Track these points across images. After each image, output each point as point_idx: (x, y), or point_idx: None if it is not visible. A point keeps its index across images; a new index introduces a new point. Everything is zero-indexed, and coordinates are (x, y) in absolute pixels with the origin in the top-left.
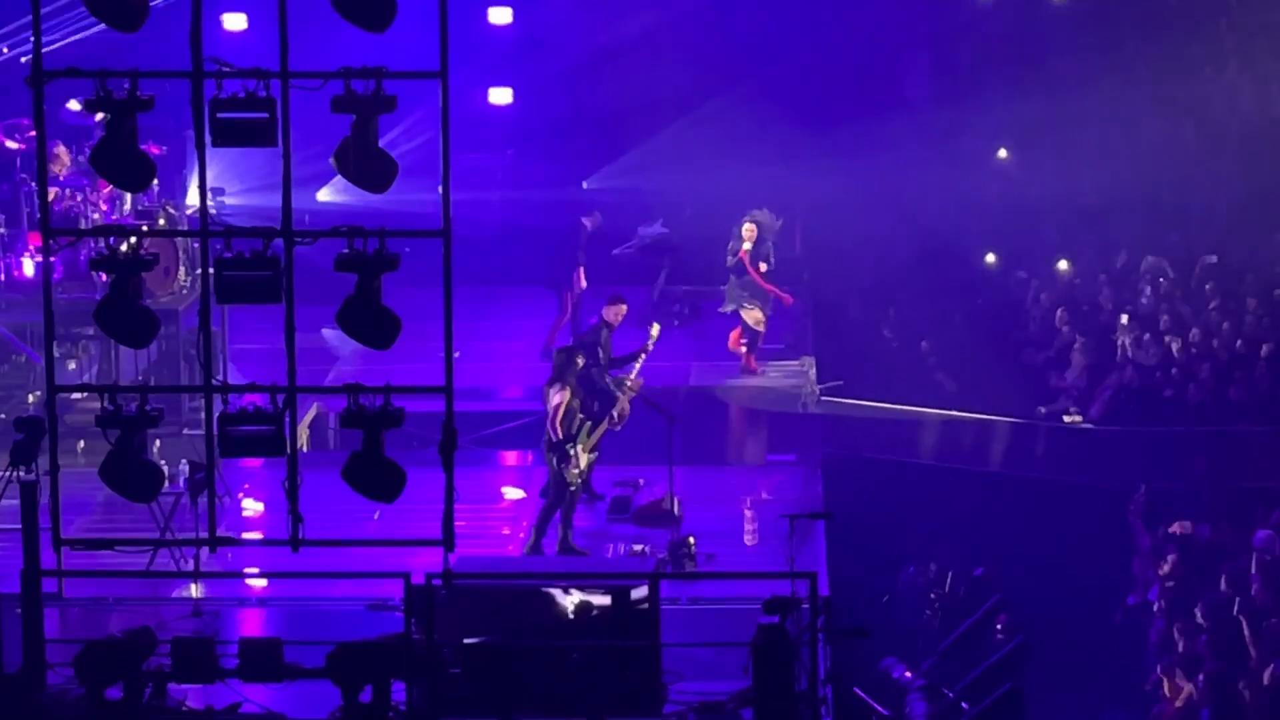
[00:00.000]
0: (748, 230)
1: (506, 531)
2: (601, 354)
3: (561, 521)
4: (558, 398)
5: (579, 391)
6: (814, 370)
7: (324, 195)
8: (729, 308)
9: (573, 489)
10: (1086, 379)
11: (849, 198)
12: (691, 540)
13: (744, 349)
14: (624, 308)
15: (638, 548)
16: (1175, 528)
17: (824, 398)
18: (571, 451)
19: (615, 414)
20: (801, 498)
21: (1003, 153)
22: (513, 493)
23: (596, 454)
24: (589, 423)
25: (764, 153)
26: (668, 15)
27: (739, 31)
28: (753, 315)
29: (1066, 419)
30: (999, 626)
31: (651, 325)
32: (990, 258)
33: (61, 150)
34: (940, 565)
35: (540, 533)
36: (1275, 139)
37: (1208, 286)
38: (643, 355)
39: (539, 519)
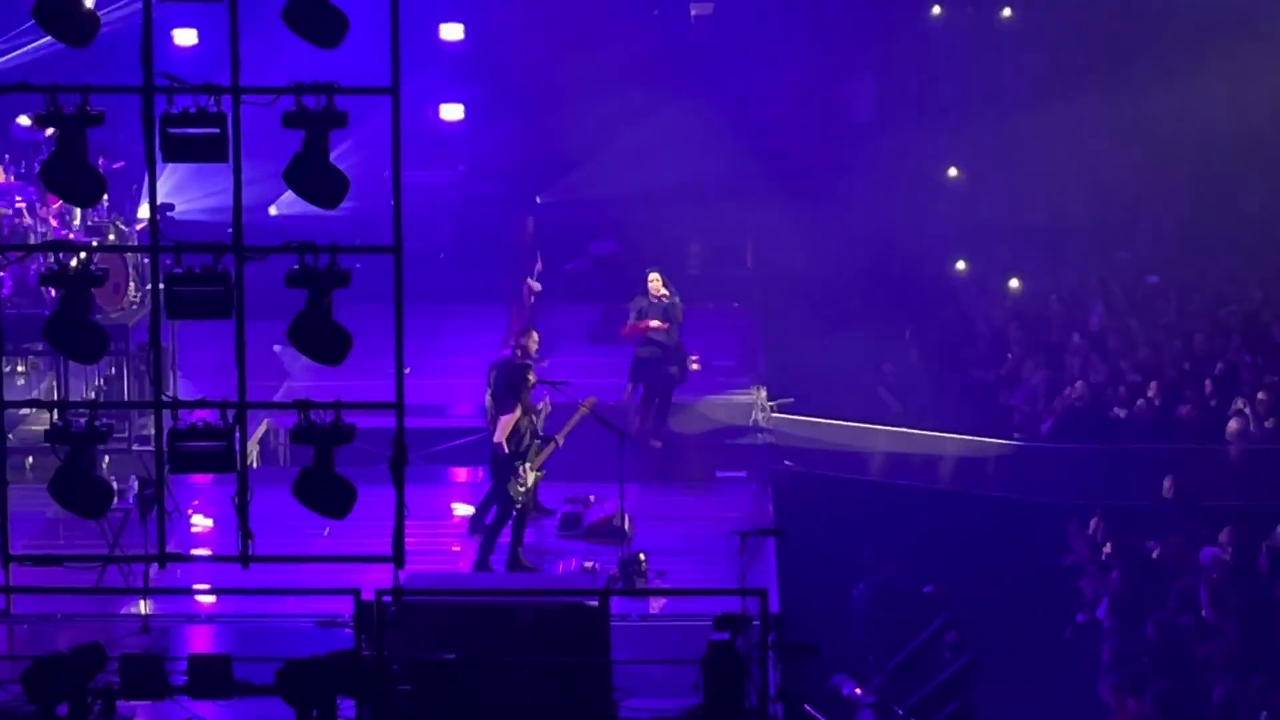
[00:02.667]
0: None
1: (457, 548)
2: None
3: (512, 538)
4: (509, 415)
5: (530, 409)
6: (765, 395)
7: (277, 210)
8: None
9: (519, 506)
10: (1036, 397)
11: (799, 216)
12: (642, 557)
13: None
14: (536, 336)
15: (588, 564)
16: (1119, 545)
17: (775, 414)
18: (520, 469)
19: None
20: (752, 514)
21: (953, 171)
22: (463, 509)
23: (543, 472)
24: (537, 441)
25: (714, 171)
26: (617, 33)
27: (688, 51)
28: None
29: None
30: (948, 644)
31: (585, 402)
32: (961, 264)
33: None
34: (890, 582)
35: (488, 550)
36: (1222, 158)
37: (1157, 305)
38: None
39: (485, 537)
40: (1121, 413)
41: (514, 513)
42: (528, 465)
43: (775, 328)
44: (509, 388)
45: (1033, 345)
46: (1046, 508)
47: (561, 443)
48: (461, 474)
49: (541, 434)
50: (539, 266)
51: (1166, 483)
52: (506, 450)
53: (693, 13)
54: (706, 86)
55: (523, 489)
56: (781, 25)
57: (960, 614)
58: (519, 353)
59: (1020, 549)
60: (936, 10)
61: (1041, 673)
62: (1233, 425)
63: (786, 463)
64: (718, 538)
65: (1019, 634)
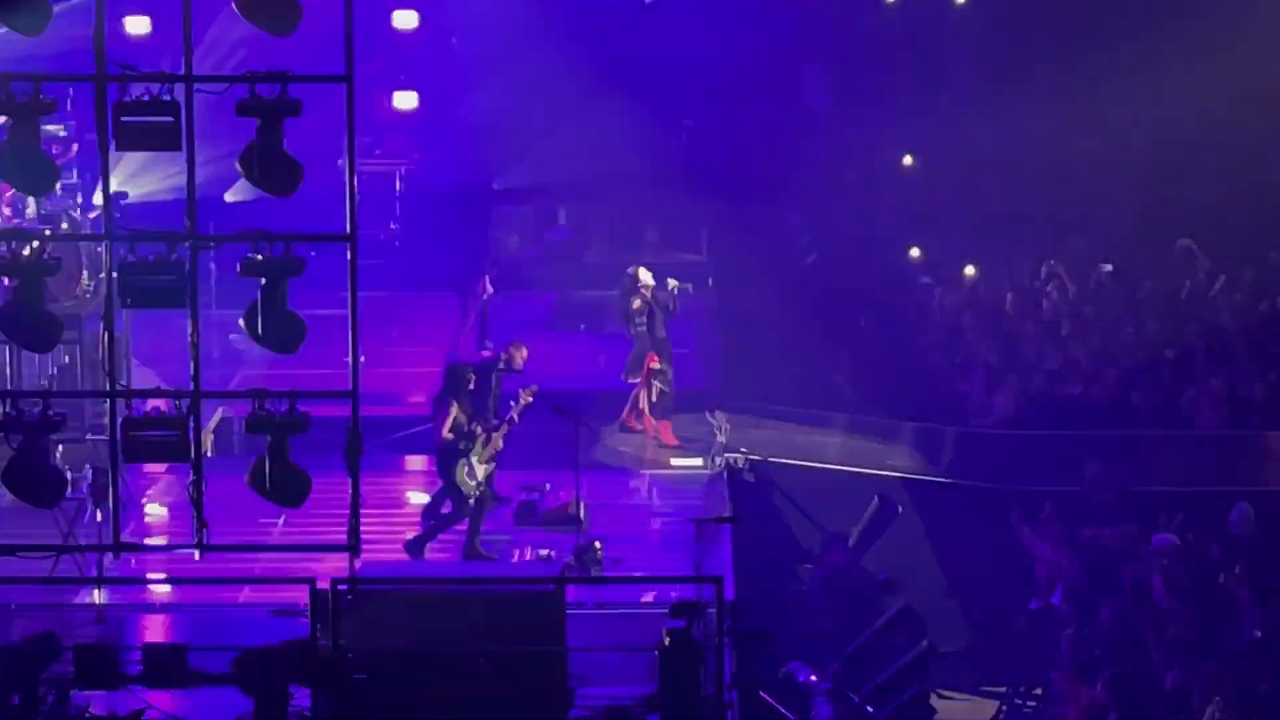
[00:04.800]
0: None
1: (411, 536)
2: (492, 389)
3: (470, 529)
4: (447, 411)
5: (467, 406)
6: (725, 428)
7: (231, 196)
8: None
9: (474, 498)
10: (989, 384)
11: (754, 203)
12: (598, 545)
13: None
14: (526, 352)
15: (544, 552)
16: (1077, 532)
17: (730, 456)
18: (465, 464)
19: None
20: (708, 502)
21: (908, 159)
22: (419, 497)
23: (494, 464)
24: (483, 434)
25: (668, 158)
26: (572, 18)
27: (640, 36)
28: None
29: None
30: (903, 631)
31: (527, 389)
32: (915, 251)
33: None
34: (843, 570)
35: (428, 537)
36: (1175, 147)
37: (1110, 292)
38: (506, 425)
39: (433, 524)
40: (1075, 390)
41: (467, 507)
42: (475, 459)
43: (730, 314)
44: (449, 386)
45: (987, 333)
46: (1000, 494)
47: (504, 432)
48: (417, 462)
49: (493, 421)
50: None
51: (1091, 467)
52: (450, 442)
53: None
54: (660, 72)
55: (473, 482)
56: (734, 10)
57: (915, 601)
58: (504, 361)
59: (974, 535)
60: None
61: (996, 659)
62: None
63: (741, 449)
64: (674, 525)
65: (972, 621)
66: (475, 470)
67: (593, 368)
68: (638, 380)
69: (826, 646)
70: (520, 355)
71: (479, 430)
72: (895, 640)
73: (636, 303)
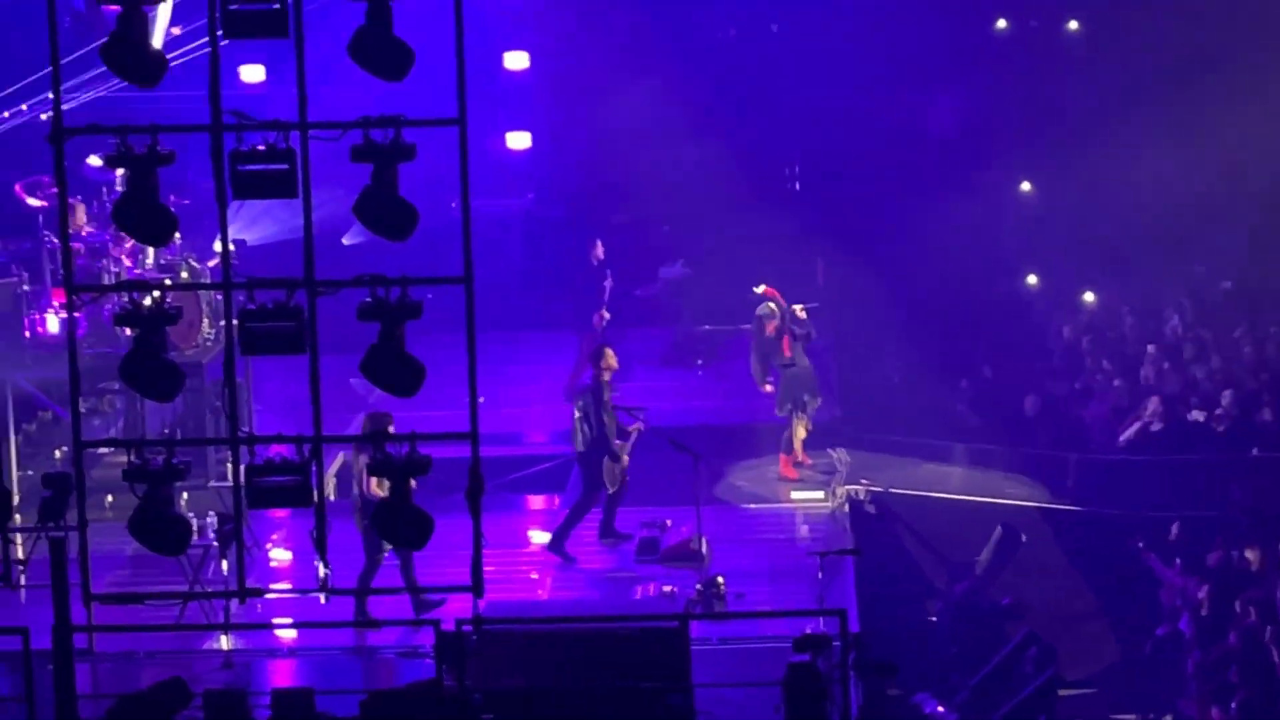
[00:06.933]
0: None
1: (535, 575)
2: (606, 399)
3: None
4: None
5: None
6: (846, 462)
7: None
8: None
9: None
10: (1112, 409)
11: (870, 234)
12: (720, 580)
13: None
14: (611, 352)
15: (667, 589)
16: (1203, 556)
17: (850, 488)
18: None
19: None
20: (829, 534)
21: (1025, 185)
22: (540, 536)
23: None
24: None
25: (785, 189)
26: (685, 54)
27: (755, 67)
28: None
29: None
30: (1029, 659)
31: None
32: (1032, 279)
33: (79, 206)
34: (969, 598)
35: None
36: None
37: (1230, 315)
38: (634, 432)
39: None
40: (1199, 417)
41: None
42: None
43: (848, 346)
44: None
45: (1107, 358)
46: (1125, 520)
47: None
48: (538, 501)
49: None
50: (609, 284)
51: (1216, 491)
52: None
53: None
54: (777, 103)
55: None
56: (850, 40)
57: (1040, 629)
58: (602, 373)
59: (1099, 563)
60: (1002, 24)
61: (1123, 686)
62: None
63: (862, 481)
64: (795, 558)
65: (1100, 648)
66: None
67: (710, 403)
68: (790, 413)
69: (953, 677)
70: (610, 361)
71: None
72: (1022, 669)
73: (770, 327)
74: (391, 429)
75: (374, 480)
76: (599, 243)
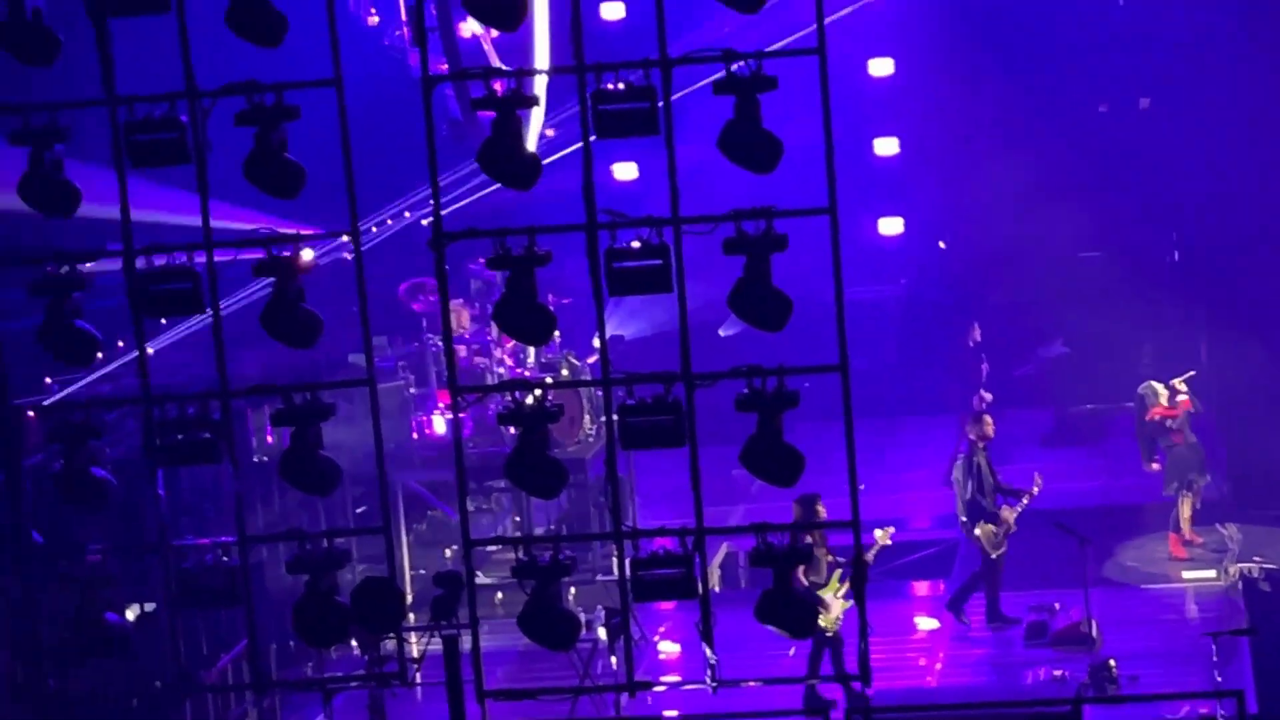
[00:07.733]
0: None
1: (923, 662)
2: (984, 472)
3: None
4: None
5: (823, 540)
6: (1237, 539)
7: (725, 331)
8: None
9: (829, 634)
10: None
11: (1255, 303)
12: (1112, 663)
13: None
14: (988, 419)
15: (1057, 673)
16: None
17: (1243, 565)
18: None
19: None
20: (1223, 613)
21: None
22: (927, 623)
23: (850, 601)
24: (838, 569)
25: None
26: (1057, 129)
27: (1130, 140)
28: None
29: None
30: None
31: (1036, 476)
32: None
33: (461, 308)
34: None
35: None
36: None
37: None
38: (1026, 498)
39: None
40: None
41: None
42: (830, 593)
43: (1235, 422)
44: (801, 517)
45: None
46: None
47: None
48: (923, 587)
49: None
50: (986, 367)
51: None
52: (804, 583)
53: (1142, 104)
54: (1150, 182)
55: (834, 617)
56: (1220, 117)
57: None
58: (977, 441)
59: None
60: None
61: None
62: None
63: (1255, 558)
64: (1188, 639)
65: None
66: (832, 605)
67: (1095, 483)
68: (1177, 491)
69: None
70: (982, 431)
71: (832, 563)
72: None
73: (1156, 412)
74: (820, 509)
75: (801, 569)
76: (976, 325)
